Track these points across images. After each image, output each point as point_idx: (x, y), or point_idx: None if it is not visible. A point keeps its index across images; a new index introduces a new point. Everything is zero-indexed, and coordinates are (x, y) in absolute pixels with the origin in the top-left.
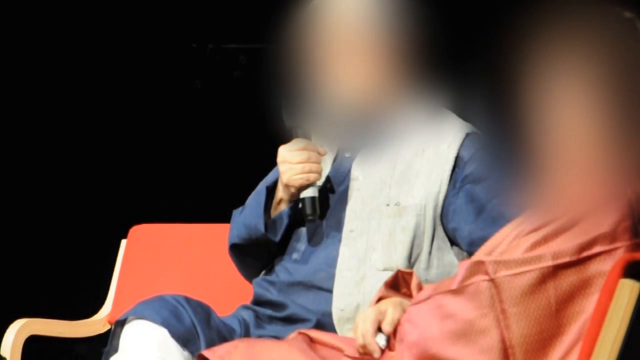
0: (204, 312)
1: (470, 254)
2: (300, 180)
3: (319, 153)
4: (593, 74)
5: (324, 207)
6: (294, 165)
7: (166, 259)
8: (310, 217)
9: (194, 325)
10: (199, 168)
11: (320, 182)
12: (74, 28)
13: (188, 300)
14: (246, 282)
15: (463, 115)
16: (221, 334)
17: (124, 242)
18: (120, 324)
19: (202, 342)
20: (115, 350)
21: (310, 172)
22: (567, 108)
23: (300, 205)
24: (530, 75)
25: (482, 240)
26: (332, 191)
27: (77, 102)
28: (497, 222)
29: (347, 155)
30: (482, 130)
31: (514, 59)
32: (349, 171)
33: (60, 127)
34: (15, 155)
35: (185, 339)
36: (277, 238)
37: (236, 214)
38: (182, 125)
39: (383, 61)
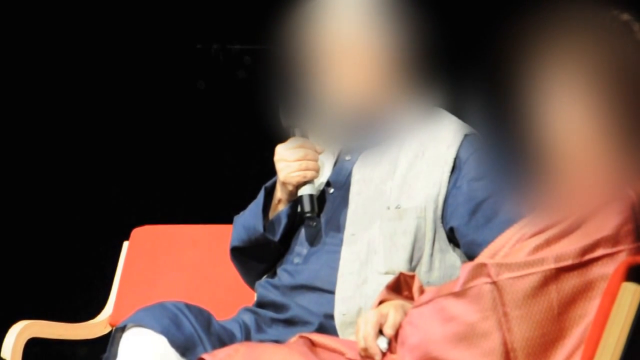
0: (204, 318)
1: (467, 256)
2: (297, 178)
3: (315, 151)
4: (591, 76)
5: (325, 211)
6: (291, 162)
7: (168, 261)
8: (308, 215)
9: (197, 333)
10: (202, 169)
11: (318, 180)
12: (77, 28)
13: (189, 306)
14: None
15: (462, 117)
16: (221, 340)
17: (126, 244)
18: (119, 330)
19: (208, 350)
20: (114, 357)
21: (307, 169)
22: (567, 110)
23: (299, 204)
24: (528, 78)
25: (472, 243)
26: (333, 195)
27: (81, 102)
28: (491, 222)
29: (347, 158)
30: (481, 132)
31: (512, 61)
32: (349, 174)
33: (63, 128)
34: (16, 157)
35: (184, 348)
36: (276, 238)
37: (237, 218)
38: (185, 126)
39: (382, 64)
